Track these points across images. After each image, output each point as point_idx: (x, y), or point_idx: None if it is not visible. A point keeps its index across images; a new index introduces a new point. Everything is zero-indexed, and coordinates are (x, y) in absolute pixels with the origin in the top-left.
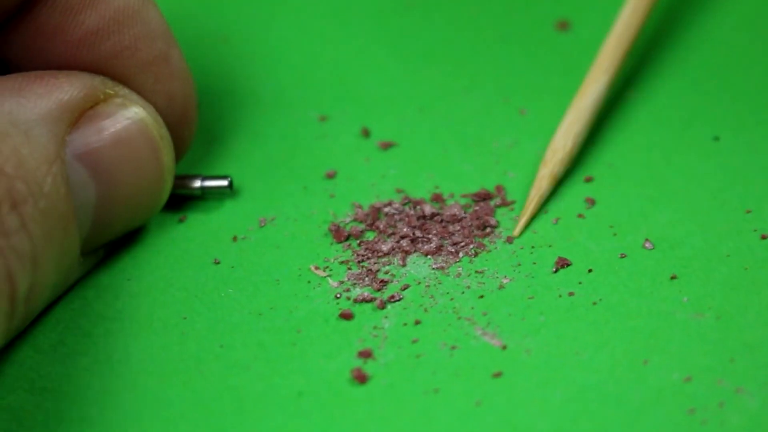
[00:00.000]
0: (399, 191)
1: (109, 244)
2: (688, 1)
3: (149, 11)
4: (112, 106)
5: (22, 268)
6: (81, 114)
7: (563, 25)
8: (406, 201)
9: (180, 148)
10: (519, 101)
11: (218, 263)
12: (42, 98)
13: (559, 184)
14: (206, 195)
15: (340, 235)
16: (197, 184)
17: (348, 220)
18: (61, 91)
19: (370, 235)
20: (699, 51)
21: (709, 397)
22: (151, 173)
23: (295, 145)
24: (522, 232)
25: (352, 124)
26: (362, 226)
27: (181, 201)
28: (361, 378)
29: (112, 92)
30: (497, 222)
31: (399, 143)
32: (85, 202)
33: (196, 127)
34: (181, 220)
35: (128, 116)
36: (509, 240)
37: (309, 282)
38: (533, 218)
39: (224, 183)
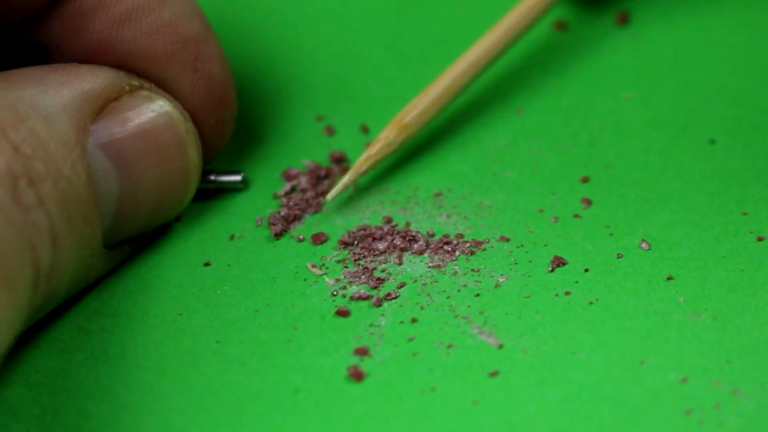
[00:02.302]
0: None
1: (137, 241)
2: (688, 3)
3: None
4: (137, 98)
5: (42, 242)
6: (105, 104)
7: (560, 25)
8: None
9: (222, 131)
10: (516, 101)
11: (214, 261)
12: (64, 86)
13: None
14: (219, 190)
15: (317, 239)
16: (210, 179)
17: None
18: (83, 80)
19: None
20: (695, 53)
21: (705, 398)
22: (177, 167)
23: (293, 145)
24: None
25: (350, 124)
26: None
27: (197, 197)
28: (357, 375)
29: (137, 84)
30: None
31: None
32: (108, 192)
33: (236, 110)
34: (177, 218)
35: (154, 109)
36: (329, 200)
37: (305, 280)
38: (355, 181)
39: (237, 178)
